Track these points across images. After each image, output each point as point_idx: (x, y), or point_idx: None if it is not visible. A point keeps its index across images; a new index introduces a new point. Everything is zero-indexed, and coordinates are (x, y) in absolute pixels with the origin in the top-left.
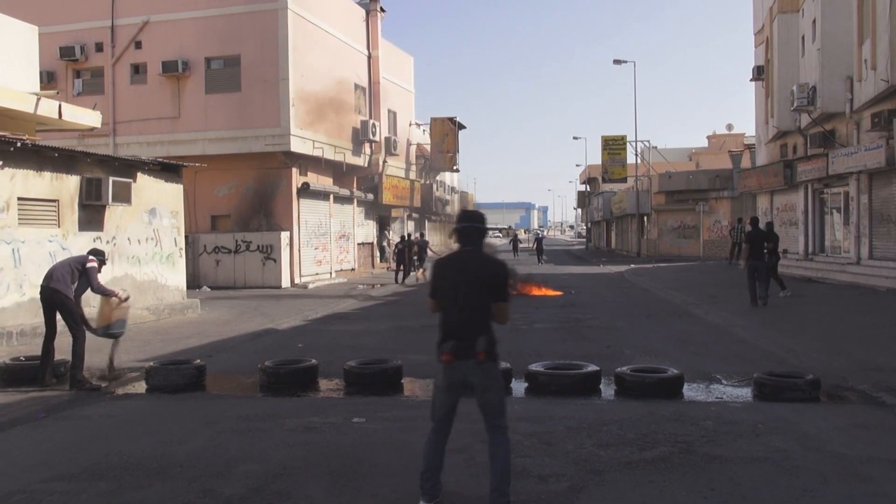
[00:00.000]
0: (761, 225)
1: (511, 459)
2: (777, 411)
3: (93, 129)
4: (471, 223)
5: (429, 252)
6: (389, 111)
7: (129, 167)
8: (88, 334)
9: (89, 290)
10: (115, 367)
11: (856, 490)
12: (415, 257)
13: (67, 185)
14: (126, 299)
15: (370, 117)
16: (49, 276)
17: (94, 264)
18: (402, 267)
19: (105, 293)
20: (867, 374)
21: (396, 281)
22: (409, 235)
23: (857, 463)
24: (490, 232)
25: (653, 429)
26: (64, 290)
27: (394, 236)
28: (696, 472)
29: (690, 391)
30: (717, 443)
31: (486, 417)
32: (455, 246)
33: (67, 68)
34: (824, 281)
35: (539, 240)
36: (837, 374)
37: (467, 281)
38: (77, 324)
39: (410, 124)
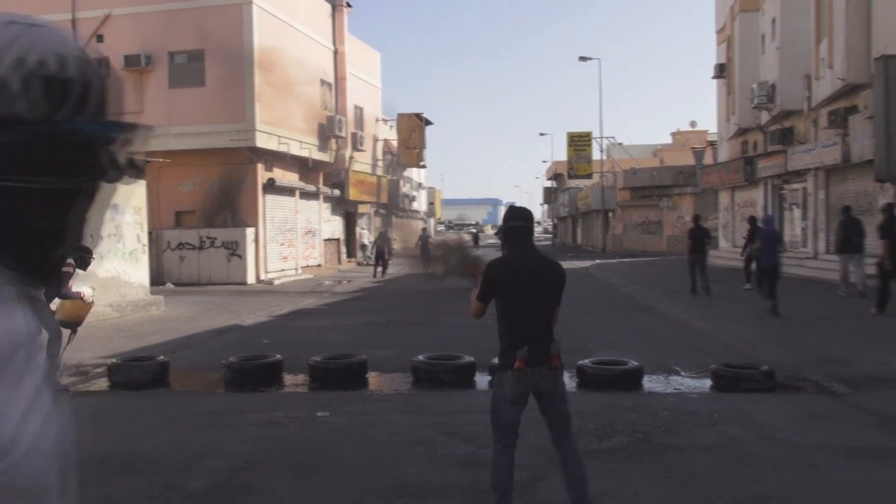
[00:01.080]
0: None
1: (584, 462)
2: (733, 401)
3: None
4: (524, 222)
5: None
6: (356, 107)
7: None
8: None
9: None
10: (59, 359)
11: (805, 476)
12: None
13: None
14: (91, 303)
15: (336, 113)
16: None
17: (69, 269)
18: (380, 262)
19: (70, 297)
20: (821, 366)
21: (374, 275)
22: (386, 231)
23: (808, 451)
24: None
25: (612, 419)
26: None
27: (362, 232)
28: (652, 460)
29: (650, 383)
30: (673, 432)
31: (554, 425)
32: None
33: None
34: (783, 276)
35: (481, 234)
36: (793, 365)
37: (538, 284)
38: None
39: (377, 120)
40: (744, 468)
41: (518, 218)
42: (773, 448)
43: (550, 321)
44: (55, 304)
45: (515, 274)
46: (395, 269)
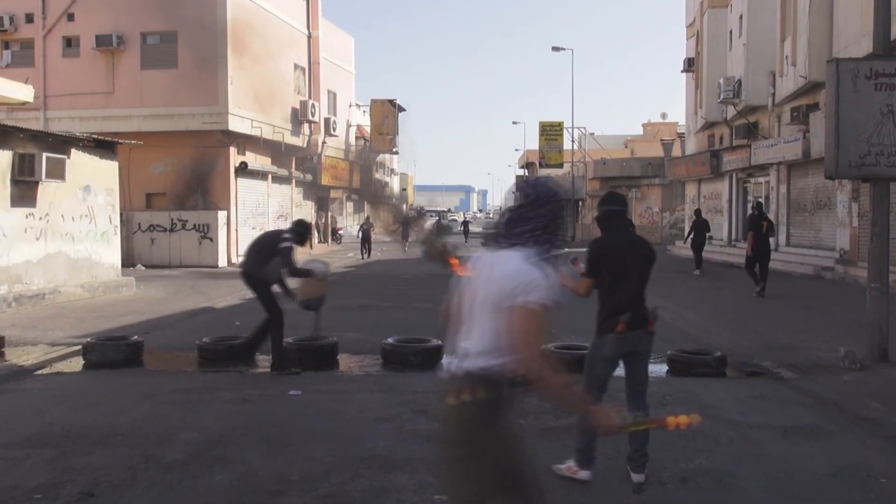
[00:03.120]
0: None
1: None
2: (685, 385)
3: (24, 103)
4: (620, 206)
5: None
6: (329, 92)
7: (64, 143)
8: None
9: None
10: (319, 334)
11: (744, 451)
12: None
13: None
14: (325, 278)
15: (310, 97)
16: (244, 258)
17: (289, 244)
18: (365, 245)
19: (301, 275)
20: (771, 352)
21: (362, 257)
22: (369, 218)
23: (749, 428)
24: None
25: None
26: (253, 271)
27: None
28: (605, 437)
29: None
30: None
31: (634, 384)
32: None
33: None
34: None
35: (466, 223)
36: (745, 352)
37: (637, 260)
38: (268, 304)
39: (350, 105)
40: (688, 444)
41: (615, 202)
42: (716, 426)
43: (644, 291)
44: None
45: (617, 251)
46: (376, 253)
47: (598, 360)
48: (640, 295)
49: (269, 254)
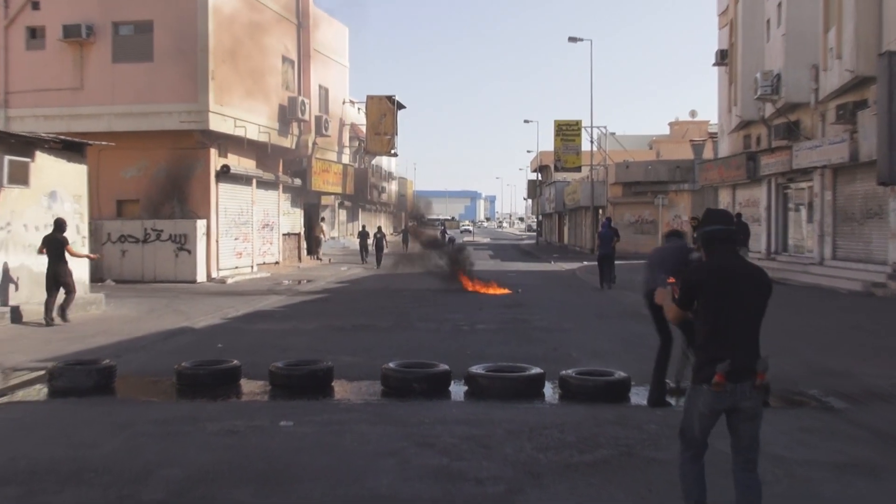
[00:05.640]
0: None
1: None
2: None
3: None
4: (724, 226)
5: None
6: (321, 87)
7: (28, 145)
8: None
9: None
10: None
11: (792, 491)
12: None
13: None
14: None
15: (299, 94)
16: (648, 278)
17: (700, 255)
18: (379, 254)
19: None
20: (819, 379)
21: (378, 265)
22: (380, 228)
23: (796, 465)
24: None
25: (595, 432)
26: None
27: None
28: (635, 474)
29: (637, 395)
30: (658, 446)
31: (741, 448)
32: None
33: None
34: (786, 282)
35: (443, 233)
36: (789, 378)
37: (743, 292)
38: (665, 328)
39: (344, 102)
40: (729, 482)
41: (719, 221)
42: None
43: (757, 334)
44: None
45: (720, 281)
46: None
47: (693, 416)
48: (748, 338)
49: (679, 266)
